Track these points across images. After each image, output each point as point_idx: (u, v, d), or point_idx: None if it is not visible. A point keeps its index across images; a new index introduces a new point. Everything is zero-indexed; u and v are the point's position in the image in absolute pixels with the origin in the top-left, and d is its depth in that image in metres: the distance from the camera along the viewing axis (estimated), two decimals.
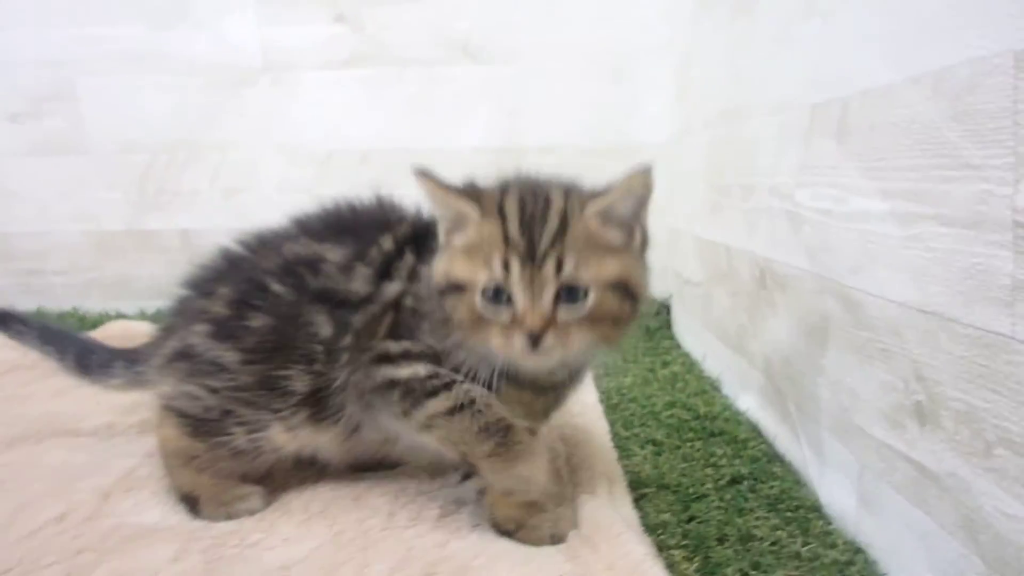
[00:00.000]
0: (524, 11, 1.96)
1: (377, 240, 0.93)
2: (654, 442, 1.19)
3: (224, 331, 0.93)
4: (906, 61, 0.72)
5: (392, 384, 0.88)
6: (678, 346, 1.79)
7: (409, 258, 0.91)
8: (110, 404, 1.26)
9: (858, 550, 0.85)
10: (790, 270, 1.05)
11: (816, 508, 0.96)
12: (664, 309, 1.95)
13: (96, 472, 1.01)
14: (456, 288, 0.82)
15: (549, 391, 0.91)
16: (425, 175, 0.82)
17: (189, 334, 0.95)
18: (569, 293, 0.78)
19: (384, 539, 0.83)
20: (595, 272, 0.79)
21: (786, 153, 1.04)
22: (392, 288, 0.91)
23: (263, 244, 1.00)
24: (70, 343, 1.14)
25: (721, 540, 0.89)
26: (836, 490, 0.93)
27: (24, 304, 2.08)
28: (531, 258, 0.78)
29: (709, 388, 1.45)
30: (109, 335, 1.73)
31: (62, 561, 0.79)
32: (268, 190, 2.04)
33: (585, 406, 1.29)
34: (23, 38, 1.97)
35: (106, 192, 2.03)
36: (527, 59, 1.98)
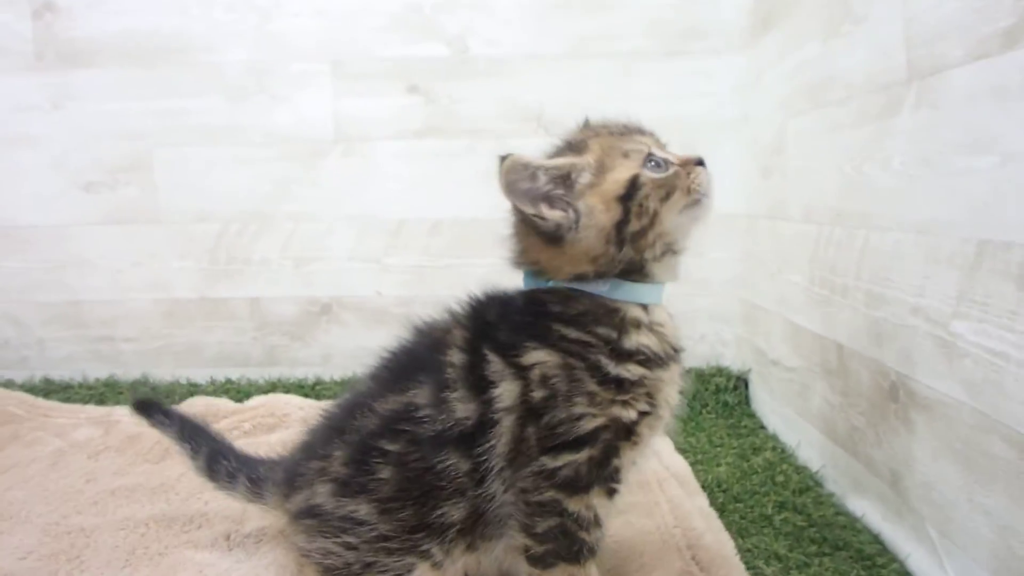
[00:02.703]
0: (597, 86, 1.97)
1: (442, 362, 0.92)
2: (778, 556, 1.18)
3: (351, 487, 0.93)
4: None
5: (547, 510, 0.88)
6: (762, 426, 1.78)
7: (494, 359, 0.90)
8: (219, 508, 1.25)
9: None
10: (938, 395, 1.04)
11: None
12: (742, 384, 1.94)
13: None
14: (631, 187, 0.89)
15: None
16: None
17: (314, 495, 0.96)
18: None
19: None
20: None
21: (938, 278, 1.03)
22: (506, 391, 0.89)
23: (353, 407, 0.99)
24: (205, 442, 1.16)
25: None
26: None
27: (95, 371, 2.08)
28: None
29: (812, 484, 1.43)
30: (194, 412, 1.72)
31: None
32: (339, 259, 2.03)
33: (702, 511, 1.26)
34: (103, 110, 1.99)
35: (178, 261, 2.03)
36: None
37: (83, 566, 1.10)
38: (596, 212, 0.90)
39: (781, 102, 1.68)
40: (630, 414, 0.90)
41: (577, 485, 0.89)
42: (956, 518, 1.01)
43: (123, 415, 1.70)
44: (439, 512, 0.90)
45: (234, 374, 2.07)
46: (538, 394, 0.88)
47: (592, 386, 0.88)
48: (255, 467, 1.11)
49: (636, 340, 0.91)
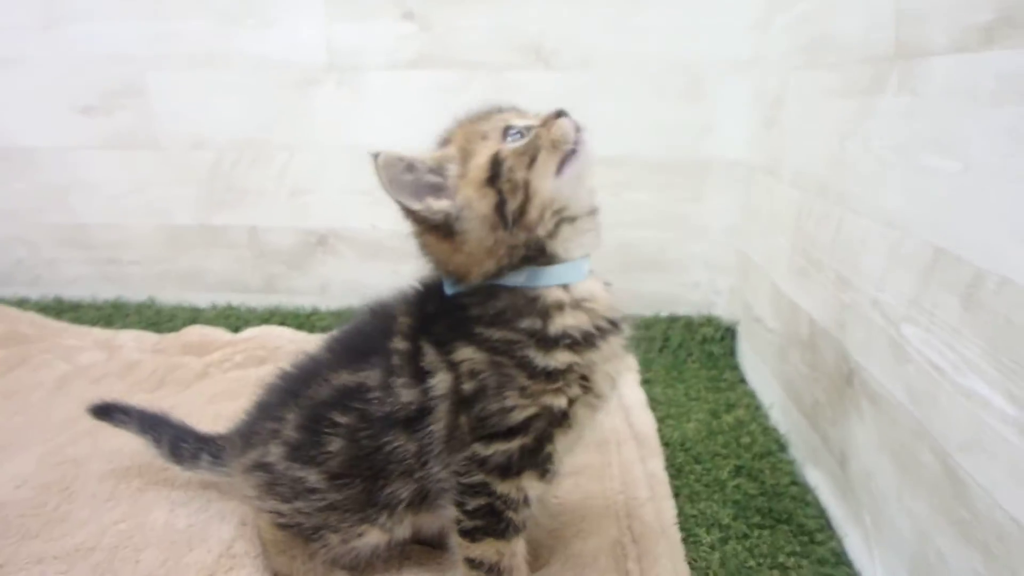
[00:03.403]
0: (600, 18, 1.88)
1: (389, 348, 0.95)
2: (720, 526, 1.22)
3: (302, 454, 0.97)
4: None
5: (477, 491, 0.92)
6: (742, 380, 1.79)
7: (430, 350, 0.92)
8: None
9: None
10: (885, 393, 1.04)
11: None
12: (729, 334, 1.94)
13: (198, 544, 1.08)
14: (494, 165, 0.88)
15: None
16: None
17: (267, 453, 1.00)
18: None
19: None
20: None
21: (897, 277, 1.01)
22: (441, 381, 0.92)
23: (309, 374, 1.03)
24: (165, 430, 1.19)
25: None
26: None
27: (104, 292, 2.16)
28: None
29: (775, 448, 1.46)
30: (188, 341, 1.80)
31: None
32: (333, 192, 2.04)
33: (652, 477, 1.30)
34: (94, 32, 1.97)
35: (176, 188, 2.06)
36: (600, 67, 1.91)
37: (71, 498, 1.19)
38: (473, 202, 0.88)
39: (786, 52, 1.60)
40: (561, 402, 0.91)
41: (508, 471, 0.92)
42: (887, 512, 1.03)
43: (126, 340, 1.79)
44: (389, 490, 0.95)
45: (235, 300, 2.13)
46: (468, 386, 0.91)
47: (522, 380, 0.89)
48: (213, 443, 1.16)
49: (561, 324, 0.90)
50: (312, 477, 0.97)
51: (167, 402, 1.54)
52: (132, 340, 1.81)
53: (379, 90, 1.95)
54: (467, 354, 0.91)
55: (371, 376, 0.95)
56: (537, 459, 0.93)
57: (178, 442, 1.17)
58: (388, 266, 2.06)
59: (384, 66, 1.94)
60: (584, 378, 0.92)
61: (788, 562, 1.13)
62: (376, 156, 0.87)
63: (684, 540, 1.16)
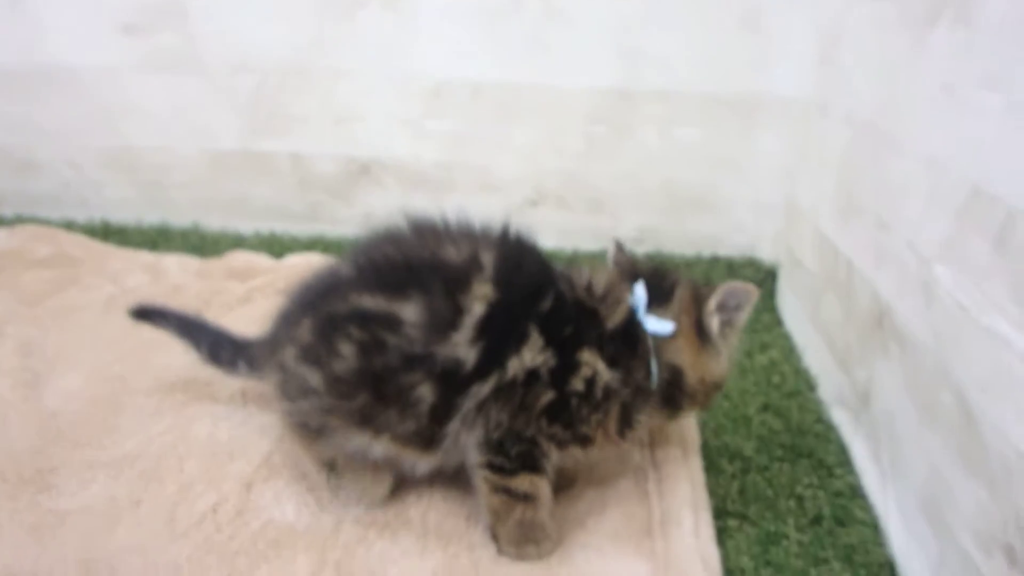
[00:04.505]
0: None
1: (459, 303, 0.92)
2: (742, 457, 1.24)
3: (312, 356, 0.97)
4: None
5: (524, 441, 0.95)
6: (779, 322, 1.79)
7: (538, 339, 0.93)
8: None
9: None
10: (912, 334, 1.04)
11: (891, 569, 1.01)
12: (770, 278, 1.93)
13: (238, 455, 1.14)
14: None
15: None
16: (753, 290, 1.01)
17: (284, 355, 1.01)
18: None
19: (493, 573, 0.94)
20: None
21: (933, 218, 1.00)
22: (533, 360, 0.92)
23: (330, 287, 1.01)
24: (204, 335, 1.23)
25: None
26: (913, 562, 0.98)
27: (149, 216, 2.22)
28: None
29: (804, 388, 1.47)
30: (232, 266, 1.87)
31: (222, 564, 0.93)
32: (378, 119, 2.04)
33: None
34: None
35: (220, 112, 2.07)
36: None
37: (119, 411, 1.26)
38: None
39: None
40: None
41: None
42: (904, 451, 1.04)
43: (171, 264, 1.85)
44: (385, 417, 0.95)
45: (278, 227, 2.18)
46: (578, 386, 0.94)
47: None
48: (249, 348, 1.17)
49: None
50: (314, 378, 0.97)
51: None
52: (176, 264, 1.86)
53: (425, 14, 1.93)
54: (592, 361, 0.95)
55: (408, 310, 0.92)
56: None
57: (216, 347, 1.21)
58: (431, 197, 2.09)
59: None
60: None
61: (805, 493, 1.15)
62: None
63: (705, 470, 1.19)
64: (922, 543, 0.95)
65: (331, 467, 1.05)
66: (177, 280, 1.75)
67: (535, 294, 0.95)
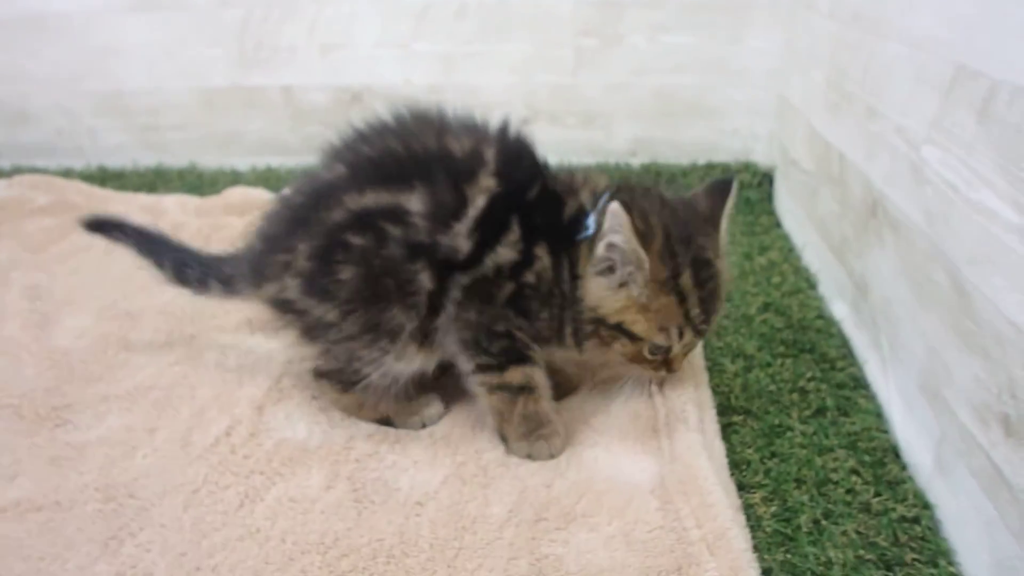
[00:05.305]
0: None
1: (464, 194, 0.92)
2: (744, 356, 1.26)
3: (317, 288, 0.95)
4: None
5: (500, 336, 0.97)
6: (777, 224, 1.78)
7: (515, 231, 0.93)
8: None
9: (926, 506, 0.93)
10: (905, 218, 1.03)
11: (894, 452, 1.03)
12: (767, 180, 1.91)
13: (248, 381, 1.17)
14: (623, 331, 0.95)
15: None
16: (621, 213, 0.87)
17: (284, 288, 0.98)
18: None
19: (501, 477, 0.97)
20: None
21: (920, 100, 0.98)
22: (504, 254, 0.93)
23: (319, 195, 0.96)
24: (167, 253, 1.16)
25: (799, 483, 0.98)
26: (915, 443, 1.00)
27: (145, 159, 2.22)
28: (701, 332, 0.97)
29: (805, 286, 1.47)
30: (230, 202, 1.87)
31: (239, 483, 0.97)
32: (365, 46, 2.01)
33: None
34: None
35: (208, 49, 2.05)
36: None
37: (129, 346, 1.28)
38: (617, 306, 0.96)
39: None
40: None
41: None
42: (901, 335, 1.05)
43: (170, 204, 1.86)
44: (391, 315, 0.95)
45: (274, 162, 2.17)
46: (531, 279, 0.95)
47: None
48: (219, 267, 1.12)
49: None
50: (330, 314, 0.96)
51: None
52: (175, 204, 1.86)
53: None
54: (542, 255, 0.94)
55: (413, 200, 0.91)
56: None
57: (182, 266, 1.14)
58: None
59: None
60: None
61: (808, 386, 1.17)
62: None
63: (708, 369, 1.20)
64: (923, 425, 0.97)
65: (387, 423, 1.08)
66: (177, 219, 1.76)
67: (526, 185, 0.96)
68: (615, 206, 0.87)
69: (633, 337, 0.95)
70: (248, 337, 1.31)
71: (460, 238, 0.92)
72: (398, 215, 0.91)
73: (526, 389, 0.99)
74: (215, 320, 1.35)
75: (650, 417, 1.07)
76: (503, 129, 0.99)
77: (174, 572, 0.84)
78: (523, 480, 0.96)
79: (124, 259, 1.55)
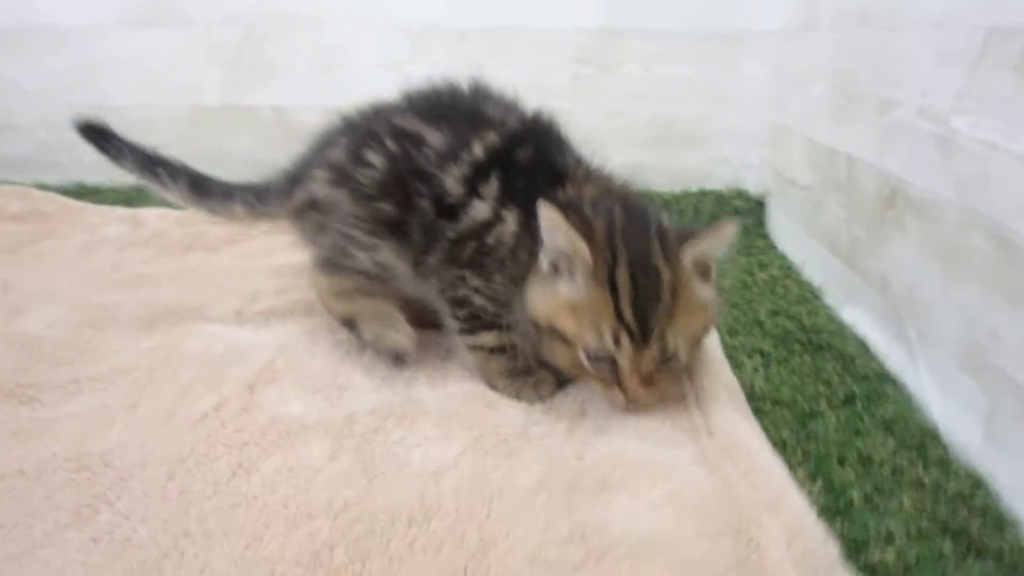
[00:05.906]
0: None
1: (469, 141, 0.97)
2: (761, 353, 1.21)
3: (342, 175, 1.02)
4: None
5: (463, 303, 0.98)
6: (773, 246, 1.77)
7: (494, 184, 0.95)
8: (233, 290, 1.32)
9: (978, 483, 0.88)
10: (930, 196, 1.02)
11: (934, 435, 0.98)
12: (759, 207, 1.91)
13: (237, 363, 1.07)
14: (556, 334, 0.88)
15: None
16: (551, 210, 0.83)
17: (312, 183, 1.06)
18: (665, 360, 0.86)
19: (524, 449, 0.88)
20: (688, 335, 0.87)
21: (944, 75, 0.98)
22: (481, 210, 0.95)
23: (376, 112, 1.08)
24: (176, 171, 1.20)
25: (841, 462, 0.92)
26: (959, 421, 0.95)
27: (126, 177, 2.09)
28: (643, 338, 0.84)
29: (811, 296, 1.45)
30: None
31: (231, 453, 0.86)
32: (364, 67, 2.00)
33: None
34: None
35: (204, 66, 2.01)
36: None
37: (103, 334, 1.17)
38: (548, 304, 0.92)
39: None
40: None
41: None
42: (933, 316, 1.02)
43: (149, 216, 1.77)
44: (396, 214, 0.99)
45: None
46: (491, 240, 0.95)
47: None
48: (247, 188, 1.19)
49: None
50: (341, 196, 1.01)
51: (198, 262, 1.55)
52: (155, 216, 1.78)
53: None
54: (509, 219, 0.94)
55: (432, 136, 0.99)
56: None
57: (200, 182, 1.17)
58: None
59: None
60: None
61: (832, 378, 1.12)
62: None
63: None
64: (968, 402, 0.93)
65: (351, 324, 1.07)
66: (158, 227, 1.67)
67: (519, 144, 0.97)
68: (543, 208, 0.83)
69: (565, 339, 0.87)
70: (236, 327, 1.21)
71: (452, 179, 0.96)
72: (417, 141, 0.99)
73: (498, 350, 0.99)
74: (200, 312, 1.25)
75: (679, 396, 1.00)
76: (538, 112, 1.05)
77: (158, 537, 0.73)
78: (550, 451, 0.87)
79: (98, 261, 1.46)
